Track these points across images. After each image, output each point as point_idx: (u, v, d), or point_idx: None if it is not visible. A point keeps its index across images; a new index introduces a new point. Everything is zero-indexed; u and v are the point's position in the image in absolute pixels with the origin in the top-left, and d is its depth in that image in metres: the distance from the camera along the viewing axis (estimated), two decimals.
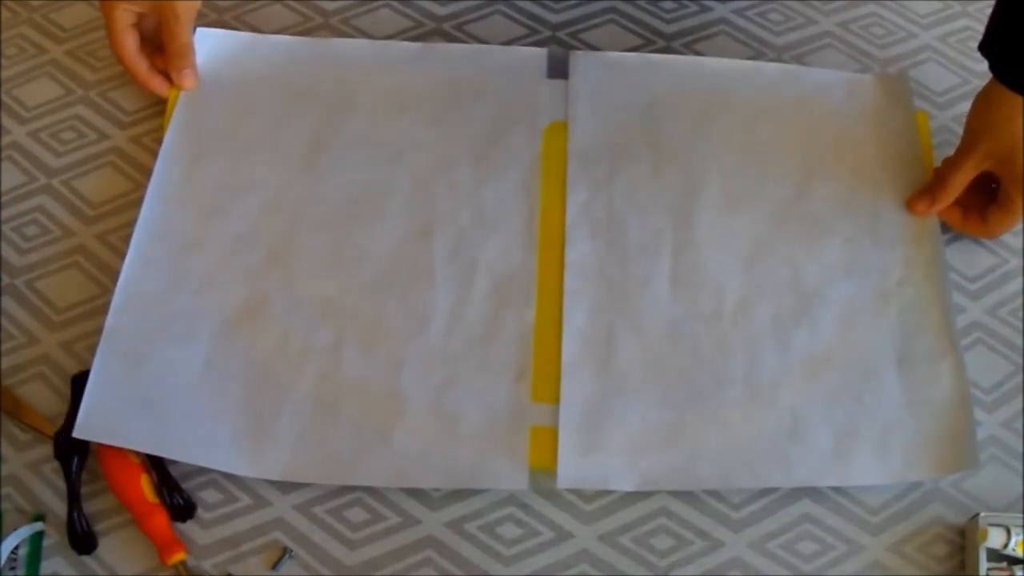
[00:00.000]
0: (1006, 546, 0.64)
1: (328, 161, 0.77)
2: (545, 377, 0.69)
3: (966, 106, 0.81)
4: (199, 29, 0.82)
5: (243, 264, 0.73)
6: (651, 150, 0.78)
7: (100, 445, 0.67)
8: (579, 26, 0.86)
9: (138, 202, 0.77)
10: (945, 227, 0.77)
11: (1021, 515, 0.65)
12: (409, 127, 0.78)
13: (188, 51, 0.79)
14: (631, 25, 0.86)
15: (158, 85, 0.79)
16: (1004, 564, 0.64)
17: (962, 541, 0.67)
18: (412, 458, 0.67)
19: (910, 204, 0.76)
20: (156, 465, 0.68)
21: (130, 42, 0.78)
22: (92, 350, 0.71)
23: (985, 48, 0.71)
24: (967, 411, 0.69)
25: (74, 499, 0.66)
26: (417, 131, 0.77)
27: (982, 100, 0.73)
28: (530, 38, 0.85)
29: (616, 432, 0.68)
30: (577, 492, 0.68)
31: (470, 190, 0.75)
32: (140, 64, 0.79)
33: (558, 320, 0.71)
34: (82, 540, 0.66)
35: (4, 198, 0.78)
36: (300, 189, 0.76)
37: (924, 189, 0.76)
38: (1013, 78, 0.69)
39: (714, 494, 0.68)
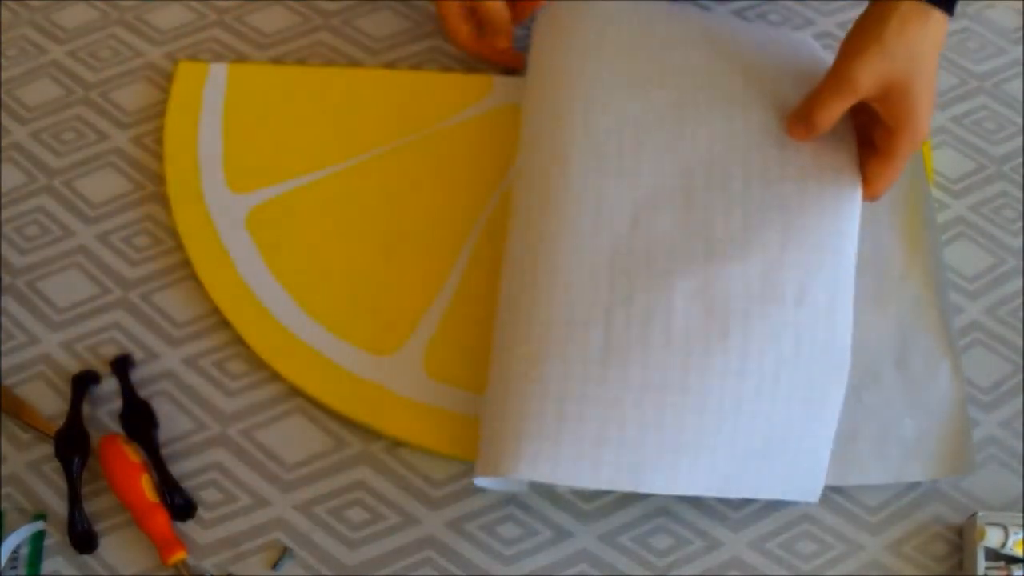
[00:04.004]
0: (1004, 545, 0.64)
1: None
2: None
3: (964, 106, 0.81)
4: None
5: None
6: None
7: (100, 444, 0.68)
8: None
9: (138, 202, 0.77)
10: (945, 227, 0.77)
11: (1019, 514, 0.65)
12: None
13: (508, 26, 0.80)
14: None
15: (511, 60, 0.82)
16: (1002, 563, 0.64)
17: (960, 540, 0.67)
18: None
19: (789, 129, 0.67)
20: (156, 465, 0.68)
21: (465, 31, 0.80)
22: (92, 350, 0.71)
23: None
24: (964, 414, 0.69)
25: (75, 498, 0.67)
26: None
27: (870, 14, 0.64)
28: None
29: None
30: (577, 492, 0.68)
31: None
32: (484, 48, 0.81)
33: None
34: (83, 539, 0.66)
35: (5, 198, 0.78)
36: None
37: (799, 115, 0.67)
38: None
39: None
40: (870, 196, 0.67)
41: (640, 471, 0.62)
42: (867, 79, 0.63)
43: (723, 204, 0.66)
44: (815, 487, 0.65)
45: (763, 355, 0.63)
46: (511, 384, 0.64)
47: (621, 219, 0.66)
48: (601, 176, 0.68)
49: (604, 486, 0.63)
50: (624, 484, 0.63)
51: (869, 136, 0.67)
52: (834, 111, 0.65)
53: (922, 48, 0.63)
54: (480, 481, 0.65)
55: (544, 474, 0.62)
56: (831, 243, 0.65)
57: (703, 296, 0.64)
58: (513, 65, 0.81)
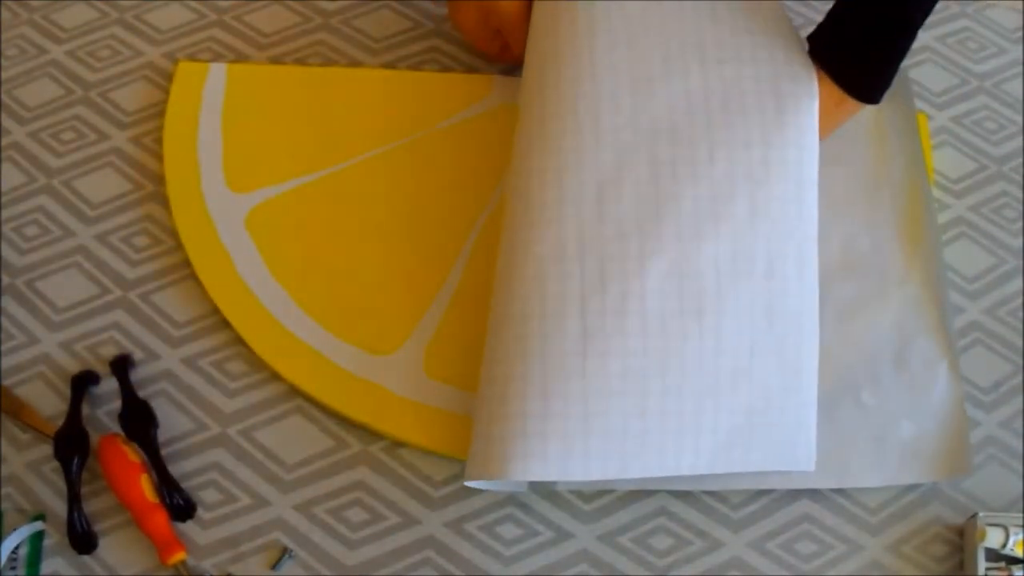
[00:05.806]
0: (1004, 546, 0.64)
1: None
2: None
3: (965, 106, 0.81)
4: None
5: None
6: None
7: (100, 445, 0.68)
8: None
9: (138, 202, 0.77)
10: (945, 227, 0.77)
11: (1019, 515, 0.65)
12: None
13: None
14: None
15: None
16: (1002, 564, 0.64)
17: (961, 541, 0.67)
18: None
19: None
20: (156, 465, 0.68)
21: (493, 43, 0.79)
22: (92, 350, 0.71)
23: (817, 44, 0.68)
24: (962, 415, 0.69)
25: (74, 499, 0.66)
26: None
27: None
28: None
29: None
30: (577, 492, 0.68)
31: None
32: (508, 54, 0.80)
33: None
34: (82, 540, 0.66)
35: (4, 198, 0.78)
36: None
37: None
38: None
39: (713, 494, 0.68)
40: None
41: (627, 459, 0.62)
42: None
43: (690, 175, 0.65)
44: (807, 455, 0.65)
45: (739, 332, 0.63)
46: (495, 386, 0.64)
47: (585, 196, 0.65)
48: (561, 155, 0.66)
49: (594, 477, 0.63)
50: (613, 473, 0.63)
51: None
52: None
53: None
54: (472, 483, 0.65)
55: (533, 472, 0.62)
56: (795, 210, 0.65)
57: (675, 276, 0.63)
58: None
